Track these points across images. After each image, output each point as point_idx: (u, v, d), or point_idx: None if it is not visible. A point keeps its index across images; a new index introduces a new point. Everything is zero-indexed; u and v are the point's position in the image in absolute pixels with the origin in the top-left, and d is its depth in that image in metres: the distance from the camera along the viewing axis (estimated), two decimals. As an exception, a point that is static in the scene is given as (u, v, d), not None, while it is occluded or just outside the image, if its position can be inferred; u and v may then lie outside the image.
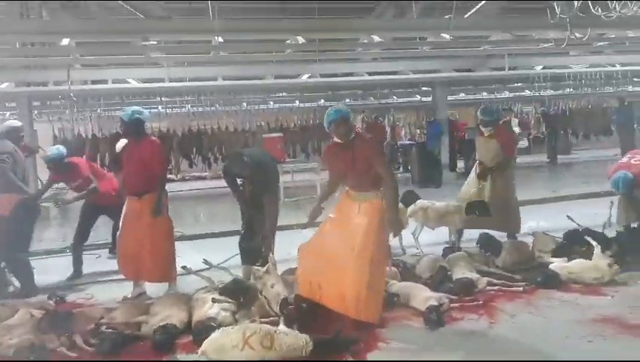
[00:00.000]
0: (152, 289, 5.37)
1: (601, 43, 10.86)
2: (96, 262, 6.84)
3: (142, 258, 5.19)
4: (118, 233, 5.45)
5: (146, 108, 5.78)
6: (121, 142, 6.11)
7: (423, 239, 6.33)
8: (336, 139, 4.45)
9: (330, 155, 4.61)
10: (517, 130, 12.36)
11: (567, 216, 6.39)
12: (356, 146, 4.35)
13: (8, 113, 15.35)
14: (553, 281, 4.82)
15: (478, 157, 6.37)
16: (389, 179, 4.31)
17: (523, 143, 16.69)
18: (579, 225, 6.07)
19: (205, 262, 5.12)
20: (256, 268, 4.72)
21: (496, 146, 6.14)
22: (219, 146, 13.91)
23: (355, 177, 4.40)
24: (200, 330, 3.94)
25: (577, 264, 5.02)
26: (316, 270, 4.36)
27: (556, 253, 5.48)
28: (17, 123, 6.70)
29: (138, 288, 5.33)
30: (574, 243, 5.58)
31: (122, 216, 5.37)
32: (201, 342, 3.70)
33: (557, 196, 9.82)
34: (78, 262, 6.25)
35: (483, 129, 6.26)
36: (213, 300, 4.30)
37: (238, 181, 5.44)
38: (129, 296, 5.23)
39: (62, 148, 6.41)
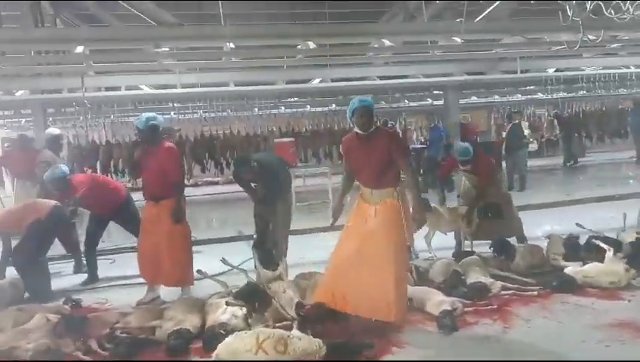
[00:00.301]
0: (166, 293, 5.42)
1: (615, 45, 10.77)
2: (110, 266, 6.90)
3: (160, 262, 5.25)
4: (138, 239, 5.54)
5: (158, 114, 5.79)
6: None
7: (435, 243, 6.30)
8: (356, 130, 4.43)
9: (348, 146, 4.56)
10: (527, 132, 12.22)
11: (577, 223, 6.33)
12: (376, 139, 4.35)
13: (23, 120, 15.59)
14: (569, 285, 4.77)
15: (463, 192, 6.41)
16: (409, 170, 4.32)
17: (533, 146, 16.57)
18: (590, 230, 5.99)
19: (224, 261, 5.16)
20: (267, 272, 4.74)
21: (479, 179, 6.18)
22: (231, 151, 13.97)
23: (371, 172, 4.38)
24: (209, 337, 3.96)
25: (593, 268, 4.97)
26: (340, 281, 4.35)
27: (566, 258, 5.44)
28: (57, 131, 6.74)
29: (152, 292, 5.37)
30: (576, 251, 5.50)
31: (142, 220, 5.46)
32: (211, 349, 3.73)
33: (571, 200, 9.73)
34: (92, 267, 6.30)
35: (462, 167, 6.26)
36: (227, 303, 4.32)
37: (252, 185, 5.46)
38: (143, 299, 5.28)
39: (65, 168, 6.28)
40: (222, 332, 3.93)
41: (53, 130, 6.84)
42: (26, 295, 5.55)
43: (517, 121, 12.02)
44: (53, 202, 5.63)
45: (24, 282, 5.49)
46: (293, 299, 4.39)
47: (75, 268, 6.67)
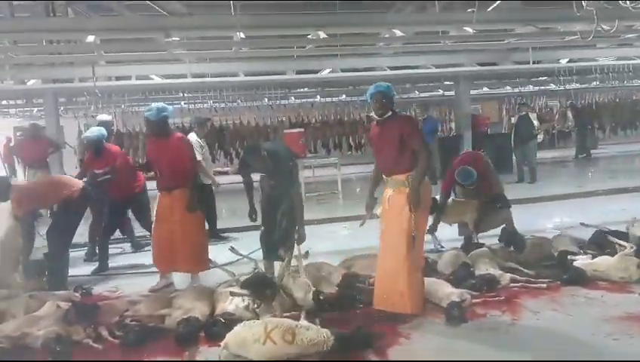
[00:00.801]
0: (177, 281, 5.47)
1: (630, 35, 10.61)
2: (121, 255, 6.96)
3: (175, 251, 5.31)
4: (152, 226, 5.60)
5: (168, 104, 5.83)
6: (196, 138, 6.95)
7: (443, 234, 6.29)
8: (374, 115, 4.54)
9: (371, 133, 4.70)
10: (536, 123, 12.08)
11: (581, 223, 6.28)
12: (391, 124, 4.38)
13: (35, 109, 15.69)
14: (579, 278, 4.74)
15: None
16: (423, 154, 4.26)
17: (539, 137, 16.41)
18: (596, 226, 5.93)
19: (232, 249, 5.22)
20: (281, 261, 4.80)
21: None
22: (240, 141, 14.03)
23: (385, 157, 4.44)
24: (210, 327, 4.04)
25: (603, 261, 4.93)
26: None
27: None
28: (107, 117, 6.93)
29: (165, 279, 5.45)
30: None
31: (155, 210, 5.51)
32: (213, 338, 3.82)
33: (583, 192, 9.66)
34: (103, 256, 6.36)
35: (466, 188, 6.19)
36: (232, 293, 4.35)
37: (258, 175, 5.44)
38: (156, 286, 5.36)
39: (104, 132, 6.36)
40: (221, 320, 4.02)
41: (103, 116, 7.15)
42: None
43: (524, 113, 11.90)
44: (81, 182, 5.70)
45: (49, 267, 5.46)
46: (309, 284, 4.44)
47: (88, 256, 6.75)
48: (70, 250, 6.74)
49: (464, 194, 6.33)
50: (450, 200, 6.30)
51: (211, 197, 7.45)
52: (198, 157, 6.55)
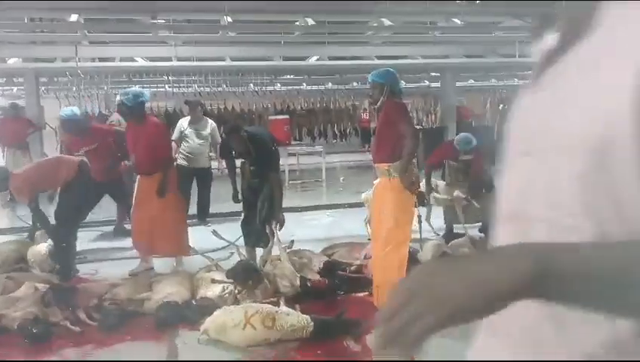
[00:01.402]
0: (159, 265, 5.43)
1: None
2: (100, 238, 6.90)
3: (155, 234, 5.28)
4: (131, 211, 5.56)
5: (152, 88, 5.79)
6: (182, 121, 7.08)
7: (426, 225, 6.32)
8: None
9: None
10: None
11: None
12: (381, 112, 4.34)
13: (15, 88, 15.39)
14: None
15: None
16: (409, 139, 4.11)
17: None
18: None
19: (215, 233, 5.19)
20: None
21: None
22: (225, 127, 13.90)
23: (373, 145, 4.46)
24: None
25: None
26: None
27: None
28: None
29: (145, 263, 5.41)
30: None
31: (134, 194, 5.46)
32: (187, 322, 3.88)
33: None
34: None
35: (464, 156, 6.08)
36: (213, 281, 4.35)
37: (238, 162, 5.41)
38: (136, 269, 5.31)
39: (75, 109, 6.28)
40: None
41: None
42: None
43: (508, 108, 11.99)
44: (77, 159, 5.62)
45: (56, 252, 5.35)
46: (295, 272, 4.45)
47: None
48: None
49: (455, 174, 6.28)
50: (439, 182, 6.31)
51: (207, 181, 7.72)
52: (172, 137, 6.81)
